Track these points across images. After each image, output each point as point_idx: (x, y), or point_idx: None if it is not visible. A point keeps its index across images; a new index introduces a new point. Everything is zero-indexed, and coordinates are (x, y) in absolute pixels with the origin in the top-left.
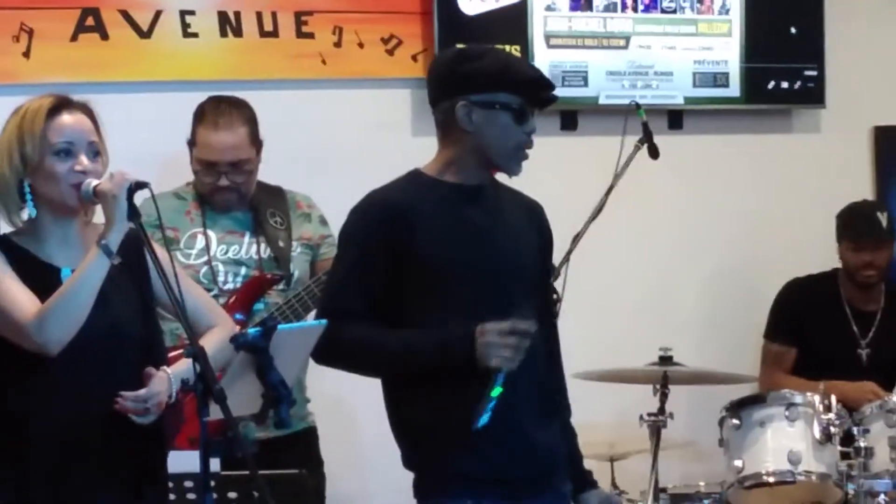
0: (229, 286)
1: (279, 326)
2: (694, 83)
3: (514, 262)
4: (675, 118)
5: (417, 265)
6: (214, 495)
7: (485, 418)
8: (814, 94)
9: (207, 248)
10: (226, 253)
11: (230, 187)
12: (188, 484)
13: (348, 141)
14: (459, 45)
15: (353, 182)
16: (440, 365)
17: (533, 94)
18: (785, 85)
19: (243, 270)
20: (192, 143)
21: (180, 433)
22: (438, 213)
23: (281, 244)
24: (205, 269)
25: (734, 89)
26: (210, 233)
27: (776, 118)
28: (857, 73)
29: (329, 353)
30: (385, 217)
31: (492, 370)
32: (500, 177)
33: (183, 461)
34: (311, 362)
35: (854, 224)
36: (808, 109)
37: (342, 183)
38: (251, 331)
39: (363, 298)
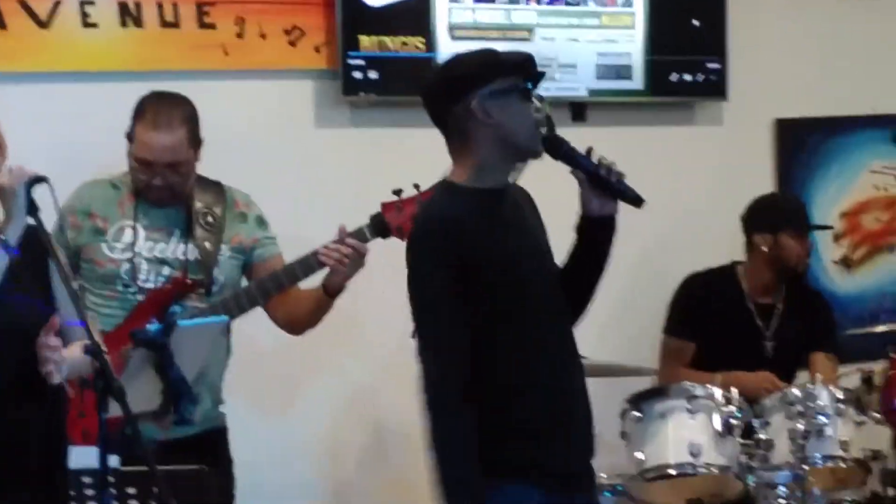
0: (150, 284)
1: (179, 322)
2: (597, 75)
3: (550, 261)
4: (579, 110)
5: (480, 280)
6: (113, 491)
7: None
8: (716, 87)
9: (134, 243)
10: (152, 250)
11: (163, 186)
12: (86, 480)
13: (251, 132)
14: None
15: (256, 173)
16: None
17: (528, 72)
18: (688, 78)
19: (166, 270)
20: (129, 138)
21: (75, 427)
22: (487, 224)
23: (208, 247)
24: (126, 266)
25: (637, 82)
26: (139, 227)
27: (679, 111)
28: (759, 67)
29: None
30: (449, 238)
31: None
32: None
33: (80, 457)
34: (230, 363)
35: (796, 215)
36: (711, 102)
37: (245, 174)
38: (151, 327)
39: (460, 366)
